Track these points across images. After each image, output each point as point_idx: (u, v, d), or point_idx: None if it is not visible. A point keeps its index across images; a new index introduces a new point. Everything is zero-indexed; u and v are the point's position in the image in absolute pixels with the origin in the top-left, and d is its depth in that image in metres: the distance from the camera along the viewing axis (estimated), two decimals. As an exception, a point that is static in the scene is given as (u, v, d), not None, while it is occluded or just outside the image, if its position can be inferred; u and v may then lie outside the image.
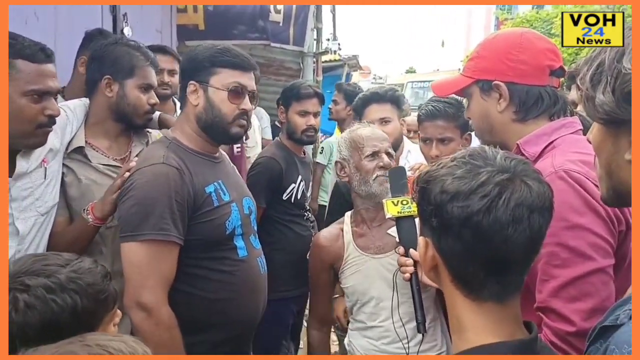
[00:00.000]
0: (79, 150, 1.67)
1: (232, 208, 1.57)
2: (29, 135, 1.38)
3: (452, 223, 0.74)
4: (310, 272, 1.76)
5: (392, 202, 1.38)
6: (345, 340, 1.72)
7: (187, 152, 1.55)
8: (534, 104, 1.18)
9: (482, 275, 0.75)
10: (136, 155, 1.75)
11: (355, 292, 1.62)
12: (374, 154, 1.62)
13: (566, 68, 1.99)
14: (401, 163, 2.29)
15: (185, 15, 4.34)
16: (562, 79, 1.23)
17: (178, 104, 2.73)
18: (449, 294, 0.80)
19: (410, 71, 21.81)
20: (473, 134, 1.60)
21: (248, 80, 1.58)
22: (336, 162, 1.72)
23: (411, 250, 1.33)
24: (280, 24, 4.80)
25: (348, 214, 1.73)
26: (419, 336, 1.48)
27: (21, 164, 1.43)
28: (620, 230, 1.04)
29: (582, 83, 0.76)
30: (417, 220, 1.37)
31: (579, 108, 1.83)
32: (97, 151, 1.72)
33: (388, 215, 1.38)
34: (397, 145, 2.26)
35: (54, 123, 1.45)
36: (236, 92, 1.54)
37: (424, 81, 13.10)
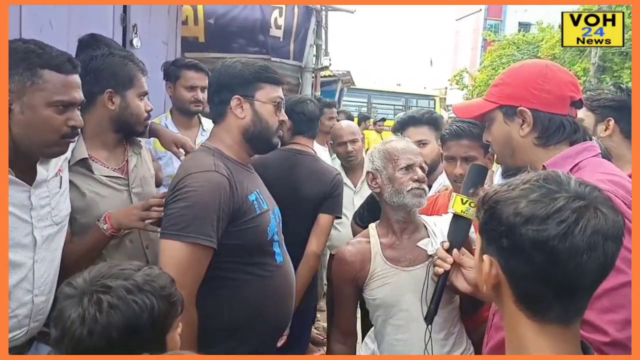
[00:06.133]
0: (82, 162, 1.67)
1: (270, 216, 1.65)
2: (52, 145, 1.38)
3: (524, 246, 0.75)
4: (334, 286, 1.74)
5: (462, 199, 1.34)
6: (367, 352, 1.71)
7: (230, 162, 1.62)
8: (555, 131, 1.22)
9: (550, 299, 0.77)
10: (135, 164, 1.81)
11: (382, 304, 1.61)
12: (409, 167, 1.63)
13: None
14: None
15: (185, 28, 4.35)
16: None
17: (203, 120, 2.73)
18: (510, 314, 0.81)
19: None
20: None
21: (282, 94, 1.71)
22: (368, 172, 1.72)
23: (455, 250, 1.33)
24: (281, 39, 4.85)
25: (372, 226, 1.73)
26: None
27: (41, 172, 1.42)
28: None
29: None
30: (472, 225, 1.38)
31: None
32: (97, 163, 1.72)
33: (451, 210, 1.36)
34: (434, 166, 2.27)
35: (77, 134, 1.46)
36: (279, 106, 1.67)
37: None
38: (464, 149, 1.81)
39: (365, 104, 16.01)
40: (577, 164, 1.18)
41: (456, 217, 1.36)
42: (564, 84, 1.23)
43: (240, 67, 1.65)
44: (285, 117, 1.71)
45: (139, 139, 1.92)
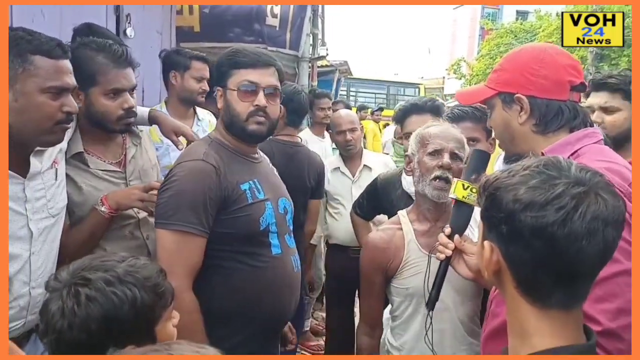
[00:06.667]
0: (78, 156, 1.65)
1: (266, 206, 1.61)
2: (47, 132, 1.35)
3: (523, 232, 0.75)
4: (362, 275, 1.68)
5: (463, 184, 1.33)
6: (385, 342, 1.68)
7: (227, 151, 1.61)
8: (553, 118, 1.21)
9: (550, 284, 0.76)
10: (133, 155, 1.79)
11: (416, 293, 1.57)
12: (436, 152, 1.58)
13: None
14: None
15: (180, 17, 4.32)
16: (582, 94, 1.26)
17: (198, 110, 2.70)
18: (511, 299, 0.81)
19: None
20: None
21: (262, 76, 1.57)
22: (405, 155, 1.72)
23: (456, 236, 1.32)
24: (277, 29, 4.81)
25: (402, 213, 1.69)
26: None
27: (35, 164, 1.41)
28: None
29: None
30: (475, 211, 1.35)
31: (595, 115, 1.87)
32: (93, 156, 1.69)
33: (452, 196, 1.35)
34: None
35: (72, 120, 1.43)
36: (246, 90, 1.56)
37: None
38: (467, 131, 1.79)
39: (345, 93, 14.84)
40: (577, 150, 1.17)
41: (458, 202, 1.35)
42: (562, 68, 1.21)
43: (220, 57, 1.63)
44: (262, 102, 1.56)
45: (140, 127, 1.89)
